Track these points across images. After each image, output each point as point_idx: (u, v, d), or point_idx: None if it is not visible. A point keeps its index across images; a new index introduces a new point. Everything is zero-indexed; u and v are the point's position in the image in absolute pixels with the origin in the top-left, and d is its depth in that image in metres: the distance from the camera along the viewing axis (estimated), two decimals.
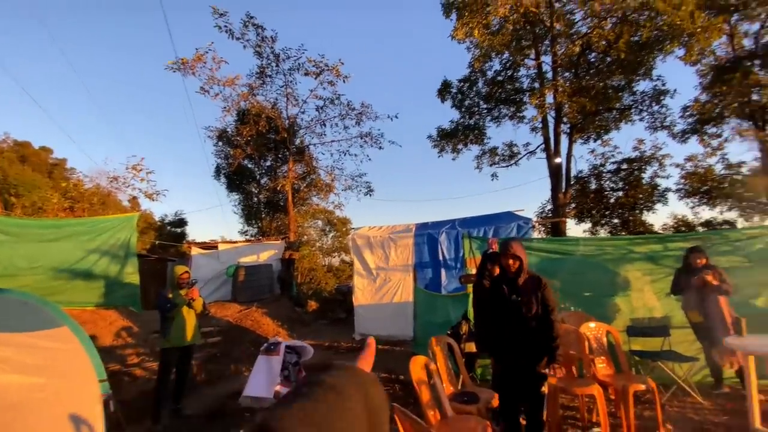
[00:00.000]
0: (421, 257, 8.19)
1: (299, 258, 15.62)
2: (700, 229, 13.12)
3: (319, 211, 25.49)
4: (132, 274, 7.68)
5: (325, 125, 12.00)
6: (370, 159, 12.58)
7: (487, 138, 13.37)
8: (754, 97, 10.82)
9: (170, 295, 4.09)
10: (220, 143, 15.86)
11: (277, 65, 11.56)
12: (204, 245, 11.62)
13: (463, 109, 13.09)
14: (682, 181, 13.38)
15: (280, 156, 15.29)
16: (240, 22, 10.61)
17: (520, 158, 13.02)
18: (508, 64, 12.58)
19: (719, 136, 12.52)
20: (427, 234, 8.25)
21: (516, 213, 8.21)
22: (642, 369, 4.47)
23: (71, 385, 2.54)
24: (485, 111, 13.14)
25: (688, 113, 12.41)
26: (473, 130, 13.20)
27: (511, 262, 2.89)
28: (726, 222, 12.93)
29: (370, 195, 12.59)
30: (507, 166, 13.22)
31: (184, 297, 4.11)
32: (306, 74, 11.30)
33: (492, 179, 13.50)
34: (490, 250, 3.93)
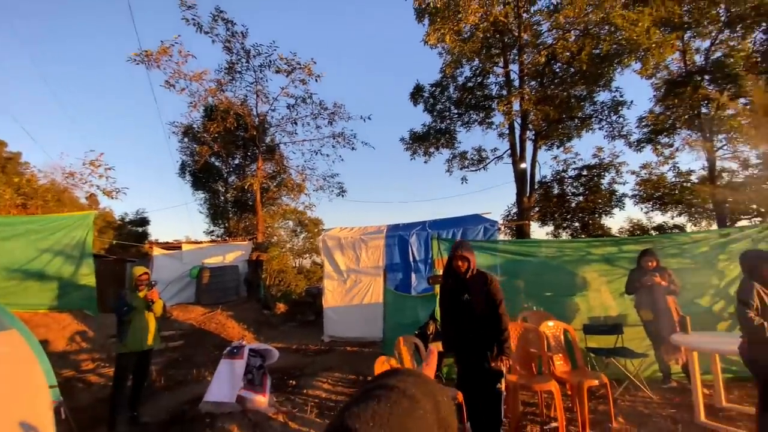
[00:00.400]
0: (392, 259, 8.23)
1: (268, 259, 15.28)
2: (653, 232, 13.97)
3: (289, 212, 25.04)
4: (88, 276, 7.25)
5: (296, 124, 11.84)
6: (342, 159, 12.50)
7: (458, 142, 13.71)
8: (703, 110, 11.68)
9: (128, 298, 3.90)
10: (186, 140, 15.29)
11: (247, 61, 11.29)
12: (167, 245, 11.14)
13: (434, 114, 13.32)
14: (637, 187, 14.19)
15: (249, 154, 14.92)
16: (209, 16, 10.30)
17: (489, 163, 13.43)
18: (478, 71, 12.92)
19: (671, 146, 13.40)
20: (398, 235, 8.31)
21: (483, 216, 8.43)
22: (597, 365, 4.71)
23: (19, 391, 2.41)
24: (456, 116, 13.44)
25: (643, 124, 13.20)
26: (444, 134, 13.45)
27: (460, 263, 2.99)
28: (676, 226, 13.85)
29: (343, 196, 12.53)
30: (476, 170, 13.60)
31: (143, 299, 3.93)
32: (277, 72, 11.11)
33: (462, 182, 13.84)
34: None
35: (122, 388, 3.85)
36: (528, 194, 11.19)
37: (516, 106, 10.59)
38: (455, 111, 13.28)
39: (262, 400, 3.66)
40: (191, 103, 11.04)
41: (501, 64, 11.84)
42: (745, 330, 2.73)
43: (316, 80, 10.84)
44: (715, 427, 3.37)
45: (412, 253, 8.09)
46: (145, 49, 9.91)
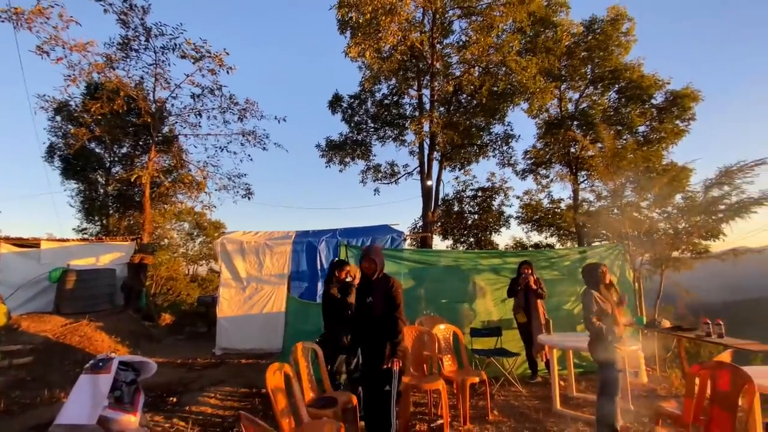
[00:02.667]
0: (299, 266, 8.01)
1: (154, 264, 13.56)
2: (531, 249, 16.13)
3: (185, 212, 22.75)
4: None
5: (200, 116, 10.87)
6: (251, 159, 11.80)
7: (373, 155, 14.13)
8: (572, 149, 14.02)
9: None
10: (59, 118, 12.85)
11: (147, 40, 10.07)
12: (19, 242, 9.12)
13: (352, 125, 13.56)
14: (520, 210, 16.31)
15: (140, 143, 13.18)
16: None
17: (400, 177, 14.10)
18: (394, 90, 13.59)
19: (547, 177, 15.75)
20: (306, 242, 8.13)
21: (392, 226, 8.78)
22: (480, 365, 5.22)
23: None
24: (372, 129, 13.87)
25: (527, 156, 15.32)
26: (360, 146, 13.75)
27: (366, 265, 3.10)
28: (548, 244, 16.20)
29: (249, 198, 11.80)
30: (388, 183, 14.15)
31: None
32: (183, 57, 10.12)
33: (375, 194, 14.24)
34: (337, 259, 4.30)
35: None
36: (432, 209, 12.02)
37: (426, 127, 11.38)
38: (372, 125, 13.71)
39: (131, 420, 3.18)
40: (69, 76, 9.37)
41: (415, 87, 12.65)
42: (589, 331, 3.32)
43: (228, 72, 10.16)
44: (567, 413, 3.99)
45: (321, 261, 7.98)
46: (15, 6, 8.17)
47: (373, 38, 9.85)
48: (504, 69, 10.25)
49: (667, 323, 4.78)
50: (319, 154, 13.97)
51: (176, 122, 11.49)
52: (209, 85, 10.55)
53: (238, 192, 11.88)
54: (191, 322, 10.33)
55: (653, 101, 12.04)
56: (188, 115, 11.01)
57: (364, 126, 13.77)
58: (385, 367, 2.84)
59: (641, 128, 12.35)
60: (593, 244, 7.41)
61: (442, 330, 4.35)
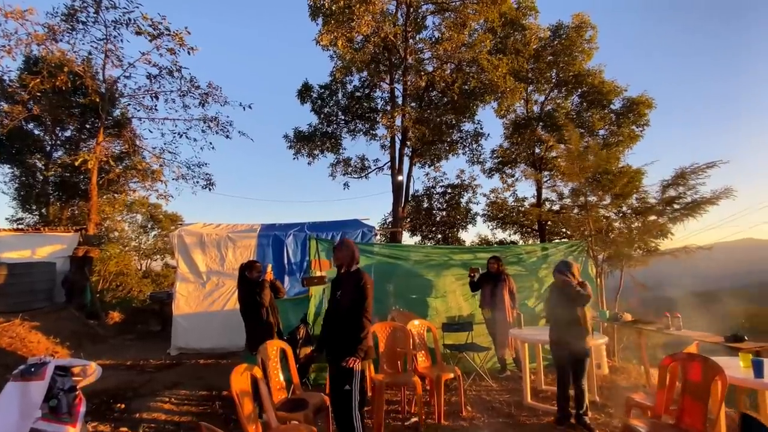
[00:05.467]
0: (265, 260, 7.62)
1: (102, 258, 12.52)
2: (496, 245, 16.57)
3: (138, 203, 21.42)
4: None
5: (157, 98, 10.08)
6: (213, 148, 11.14)
7: (343, 148, 13.82)
8: (537, 150, 14.47)
9: None
10: None
11: (96, 13, 9.17)
12: None
13: (322, 116, 13.17)
14: (487, 207, 16.68)
15: (88, 126, 12.07)
16: None
17: (370, 172, 13.90)
18: (366, 83, 13.35)
19: (513, 176, 16.18)
20: (273, 235, 7.76)
21: (362, 221, 8.61)
22: (452, 360, 5.18)
23: None
24: (343, 122, 13.55)
25: (495, 155, 15.66)
26: (330, 138, 13.40)
27: (335, 257, 2.95)
28: (512, 242, 16.69)
29: (210, 189, 11.15)
30: (358, 178, 13.91)
31: None
32: (138, 33, 9.31)
33: (344, 188, 13.95)
34: (247, 261, 4.26)
35: None
36: (402, 205, 11.96)
37: (398, 121, 11.26)
38: (342, 117, 13.39)
39: None
40: (4, 46, 8.34)
41: (387, 81, 12.48)
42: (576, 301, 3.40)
43: (189, 52, 9.47)
44: (539, 406, 4.02)
45: (288, 255, 7.65)
46: None
47: (345, 27, 9.56)
48: (476, 67, 10.32)
49: (628, 317, 4.98)
50: (286, 145, 13.48)
51: (129, 104, 10.60)
52: (168, 66, 9.80)
53: (197, 182, 11.18)
54: (143, 320, 9.60)
55: (612, 106, 12.66)
56: (143, 97, 10.19)
57: (335, 118, 13.42)
58: (343, 365, 2.67)
59: (601, 132, 12.96)
60: (557, 241, 7.64)
61: (417, 326, 4.25)
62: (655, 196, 6.78)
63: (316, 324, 4.86)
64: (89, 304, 9.10)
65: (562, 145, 11.32)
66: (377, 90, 13.48)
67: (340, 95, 13.08)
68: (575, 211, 14.92)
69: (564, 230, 15.84)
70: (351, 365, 2.61)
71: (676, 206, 5.75)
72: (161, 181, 10.28)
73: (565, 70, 13.33)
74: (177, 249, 7.22)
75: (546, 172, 15.05)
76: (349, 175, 13.81)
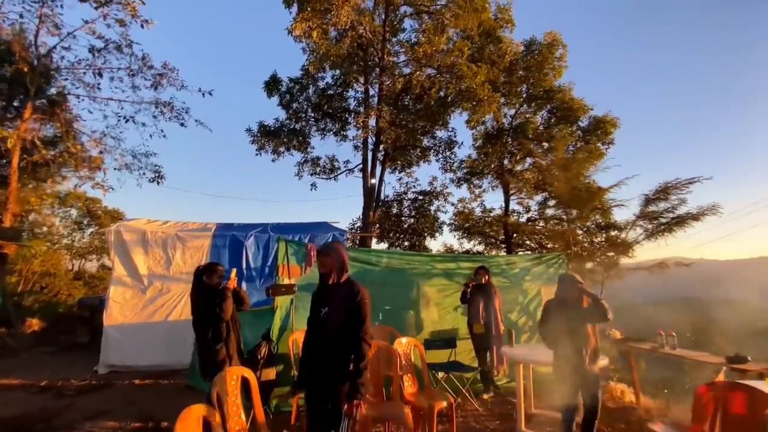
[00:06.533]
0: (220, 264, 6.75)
1: (24, 256, 10.81)
2: (482, 256, 16.47)
3: (74, 197, 19.25)
4: None
5: (101, 76, 8.83)
6: (164, 136, 9.98)
7: (311, 147, 13.07)
8: (506, 162, 14.59)
9: None
10: None
11: None
12: None
13: (290, 111, 12.36)
14: (454, 217, 16.58)
15: (14, 103, 10.39)
16: None
17: (340, 173, 13.25)
18: (339, 81, 12.76)
19: (480, 187, 16.22)
20: (230, 236, 6.90)
21: (332, 224, 7.97)
22: (433, 380, 4.68)
23: None
24: (312, 120, 12.83)
25: (463, 165, 15.63)
26: (298, 136, 12.61)
27: (321, 263, 2.34)
28: (478, 252, 16.67)
29: (158, 182, 9.95)
30: (327, 179, 13.18)
31: None
32: None
33: (311, 189, 13.17)
34: (206, 263, 3.58)
35: None
36: (373, 210, 11.43)
37: (372, 122, 10.78)
38: (312, 114, 12.66)
39: None
40: None
41: (361, 81, 11.98)
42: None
43: (143, 26, 8.39)
44: None
45: (247, 259, 6.83)
46: None
47: (322, 16, 8.97)
48: (455, 73, 10.10)
49: (617, 334, 4.75)
50: (249, 139, 12.49)
51: (67, 79, 9.20)
52: (117, 40, 8.62)
53: (144, 174, 9.91)
54: (69, 329, 8.26)
55: (580, 123, 13.03)
56: (84, 73, 8.89)
57: (303, 115, 12.66)
58: (341, 407, 2.07)
59: (570, 147, 13.27)
60: (540, 253, 7.47)
61: (404, 344, 3.69)
62: (634, 212, 6.78)
63: (281, 341, 4.15)
64: (1, 309, 7.65)
65: (550, 156, 11.41)
66: (350, 90, 12.95)
67: (311, 91, 12.38)
68: (541, 224, 15.30)
69: (528, 242, 16.15)
70: (353, 411, 2.00)
71: (662, 219, 5.72)
72: (101, 168, 8.98)
73: (536, 86, 13.59)
74: (113, 247, 6.17)
75: (513, 185, 15.24)
76: (318, 176, 13.08)
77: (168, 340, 5.93)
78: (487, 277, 4.90)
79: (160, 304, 6.21)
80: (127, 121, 9.25)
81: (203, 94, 9.51)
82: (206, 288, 3.17)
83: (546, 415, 4.05)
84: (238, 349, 3.22)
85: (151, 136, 9.66)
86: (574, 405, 2.95)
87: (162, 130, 9.78)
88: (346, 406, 2.04)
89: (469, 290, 4.78)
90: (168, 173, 10.19)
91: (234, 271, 3.46)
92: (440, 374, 4.44)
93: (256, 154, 12.76)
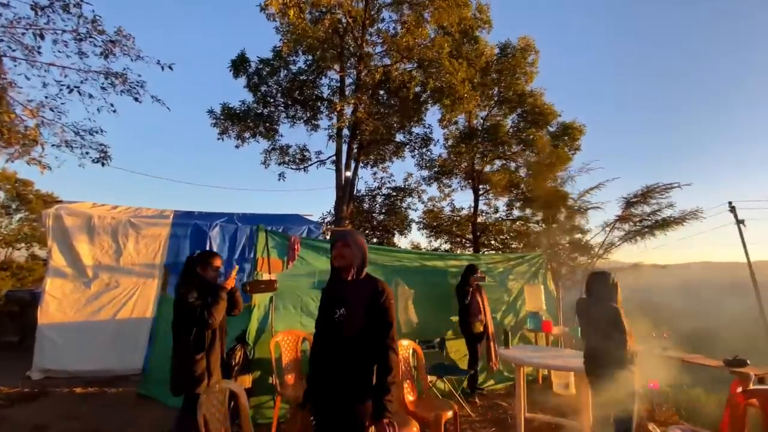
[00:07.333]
0: (178, 255, 6.03)
1: None
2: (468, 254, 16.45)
3: (2, 177, 17.20)
4: None
5: (42, 38, 7.57)
6: (115, 111, 8.83)
7: (280, 135, 12.31)
8: (475, 163, 14.72)
9: None
10: None
11: None
12: None
13: (258, 95, 11.52)
14: (423, 215, 16.53)
15: None
16: None
17: (311, 164, 12.60)
18: (312, 67, 12.13)
19: (450, 186, 16.29)
20: (192, 225, 6.22)
21: (306, 217, 7.48)
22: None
23: None
24: (282, 106, 12.07)
25: (433, 164, 15.58)
26: (265, 122, 11.81)
27: (338, 255, 1.94)
28: (446, 250, 16.75)
29: (104, 163, 8.77)
30: (297, 169, 12.48)
31: None
32: None
33: (279, 179, 12.40)
34: (200, 251, 2.97)
35: None
36: (347, 203, 10.97)
37: (348, 111, 10.32)
38: (282, 100, 11.90)
39: None
40: None
41: (337, 69, 11.44)
42: (613, 354, 2.70)
43: None
44: None
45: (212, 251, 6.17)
46: None
47: None
48: (436, 68, 9.89)
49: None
50: (211, 121, 11.51)
51: (2, 40, 7.80)
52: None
53: (87, 153, 8.67)
54: None
55: (549, 128, 13.40)
56: (23, 33, 7.57)
57: (272, 99, 11.86)
58: (371, 429, 1.72)
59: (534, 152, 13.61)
60: (520, 253, 7.44)
61: (404, 347, 3.37)
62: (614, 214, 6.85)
63: (258, 345, 3.67)
64: None
65: (521, 158, 11.51)
66: (324, 77, 12.35)
67: (282, 75, 11.61)
68: (508, 225, 15.64)
69: (493, 242, 16.46)
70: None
71: (646, 223, 5.85)
72: (38, 142, 7.71)
73: (508, 89, 13.80)
74: (51, 233, 5.29)
75: (482, 186, 15.44)
76: (286, 165, 12.36)
77: (116, 342, 5.19)
78: (482, 275, 4.75)
79: (107, 301, 5.42)
80: (70, 91, 8.00)
81: (162, 67, 8.46)
82: (200, 283, 2.57)
83: (542, 420, 3.92)
84: (222, 362, 2.65)
85: (98, 110, 8.47)
86: (627, 416, 2.65)
87: (112, 105, 8.63)
88: (373, 428, 1.68)
89: (469, 289, 4.58)
90: (116, 154, 9.02)
91: (236, 269, 2.85)
92: (429, 378, 4.17)
93: (218, 139, 11.82)
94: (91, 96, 8.29)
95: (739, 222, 12.52)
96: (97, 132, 8.80)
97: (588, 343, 2.75)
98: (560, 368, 4.00)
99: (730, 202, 12.36)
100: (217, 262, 2.71)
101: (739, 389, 2.68)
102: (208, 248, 6.21)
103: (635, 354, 2.62)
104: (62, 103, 8.52)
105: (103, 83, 8.35)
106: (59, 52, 8.02)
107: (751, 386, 2.54)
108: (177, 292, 2.55)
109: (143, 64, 9.14)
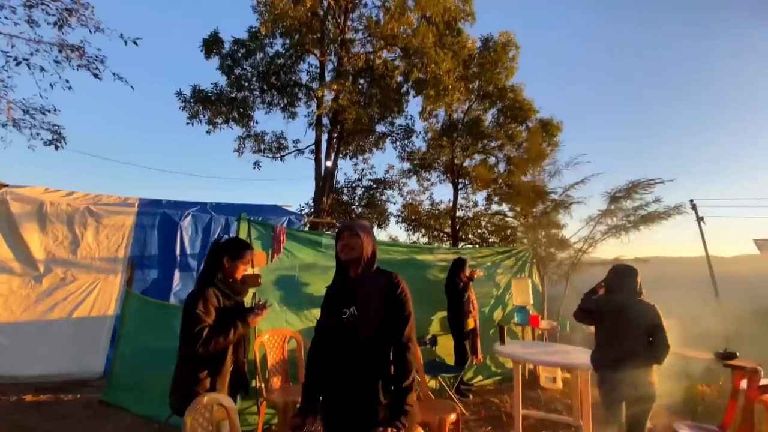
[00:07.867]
0: (145, 248, 5.54)
1: None
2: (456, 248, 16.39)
3: None
4: None
5: None
6: (70, 87, 8.04)
7: (254, 122, 11.69)
8: (455, 157, 14.68)
9: None
10: None
11: None
12: None
13: (231, 78, 10.84)
14: (402, 209, 16.38)
15: None
16: None
17: (288, 153, 12.08)
18: (290, 52, 11.58)
19: (429, 180, 16.21)
20: (161, 214, 5.71)
21: (285, 208, 7.10)
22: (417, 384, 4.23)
23: None
24: (257, 90, 11.45)
25: (413, 157, 15.44)
26: (238, 107, 11.16)
27: (346, 245, 1.68)
28: (426, 244, 16.72)
29: (57, 146, 7.97)
30: (273, 158, 11.92)
31: None
32: None
33: (254, 167, 11.80)
34: (229, 237, 2.53)
35: None
36: (327, 194, 10.59)
37: (330, 97, 9.92)
38: (257, 84, 11.27)
39: None
40: None
41: (317, 54, 10.97)
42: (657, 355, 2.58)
43: None
44: None
45: (182, 243, 5.70)
46: None
47: None
48: (421, 56, 9.66)
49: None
50: (179, 104, 10.73)
51: None
52: None
53: (38, 134, 7.84)
54: None
55: (528, 124, 13.52)
56: None
57: (247, 83, 11.22)
58: None
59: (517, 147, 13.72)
60: (506, 247, 7.39)
61: None
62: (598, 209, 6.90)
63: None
64: None
65: (476, 157, 11.42)
66: (303, 62, 11.82)
67: (258, 57, 10.98)
68: (486, 219, 15.78)
69: (471, 236, 16.58)
70: None
71: (631, 218, 5.92)
72: None
73: (488, 83, 13.80)
74: None
75: (462, 180, 15.48)
76: (262, 153, 11.78)
77: (72, 343, 4.67)
78: (470, 270, 4.62)
79: (62, 297, 4.86)
80: (18, 63, 7.19)
81: (126, 41, 7.76)
82: (228, 280, 2.09)
83: (537, 417, 3.84)
84: (237, 381, 2.15)
85: (51, 85, 7.65)
86: (644, 416, 2.52)
87: (67, 81, 7.82)
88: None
89: (463, 284, 4.44)
90: (71, 135, 8.22)
91: (270, 307, 2.43)
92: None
93: (188, 123, 11.06)
94: (43, 69, 7.51)
95: (699, 219, 13.17)
96: (49, 111, 8.02)
97: (625, 342, 2.58)
98: (567, 366, 3.94)
99: (691, 200, 12.93)
100: (249, 257, 2.21)
101: (743, 384, 2.67)
102: (178, 240, 5.75)
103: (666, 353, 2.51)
104: (9, 77, 7.69)
105: (56, 56, 7.61)
106: (5, 18, 7.19)
107: (762, 381, 2.52)
108: (198, 289, 2.02)
109: (104, 37, 8.43)
